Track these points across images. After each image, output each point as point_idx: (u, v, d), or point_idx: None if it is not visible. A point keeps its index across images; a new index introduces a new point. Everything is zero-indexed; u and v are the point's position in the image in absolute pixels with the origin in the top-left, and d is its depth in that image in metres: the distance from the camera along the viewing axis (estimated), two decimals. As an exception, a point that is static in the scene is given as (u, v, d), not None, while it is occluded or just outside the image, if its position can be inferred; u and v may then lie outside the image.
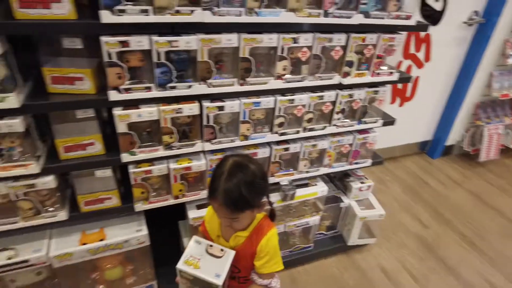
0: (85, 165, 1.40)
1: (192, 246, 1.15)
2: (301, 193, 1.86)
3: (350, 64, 1.57)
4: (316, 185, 1.94)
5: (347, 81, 1.61)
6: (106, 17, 1.12)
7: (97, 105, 1.32)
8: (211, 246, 1.15)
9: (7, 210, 1.40)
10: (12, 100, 1.17)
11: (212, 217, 1.25)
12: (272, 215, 1.27)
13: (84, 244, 1.53)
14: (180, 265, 1.09)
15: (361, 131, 1.88)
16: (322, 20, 1.39)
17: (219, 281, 1.05)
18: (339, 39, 1.48)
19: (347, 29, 1.49)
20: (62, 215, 1.47)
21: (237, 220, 1.10)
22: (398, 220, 2.58)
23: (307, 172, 1.85)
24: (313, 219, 2.01)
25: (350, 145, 1.87)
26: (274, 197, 1.80)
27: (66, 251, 1.50)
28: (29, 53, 1.28)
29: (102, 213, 1.55)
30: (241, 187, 1.02)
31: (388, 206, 2.64)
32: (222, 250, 1.13)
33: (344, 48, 1.53)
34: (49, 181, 1.37)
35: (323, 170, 1.90)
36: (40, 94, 1.27)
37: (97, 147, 1.40)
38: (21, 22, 1.09)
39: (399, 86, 2.84)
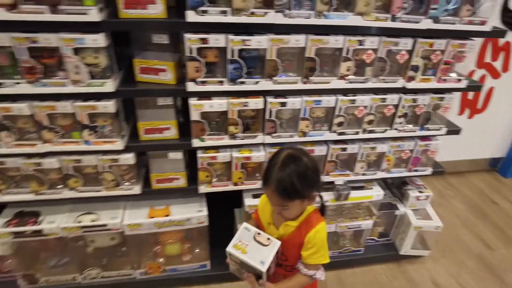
0: (161, 147, 1.59)
1: (242, 232, 1.21)
2: (356, 195, 1.88)
3: (415, 68, 1.57)
4: (371, 188, 1.95)
5: (411, 85, 1.60)
6: (191, 16, 1.29)
7: (176, 94, 1.50)
8: (259, 234, 1.21)
9: (94, 180, 1.65)
10: (109, 85, 1.39)
11: (265, 206, 1.34)
12: (322, 210, 1.32)
13: (152, 217, 1.73)
14: (229, 248, 1.18)
15: (423, 138, 1.85)
16: (389, 24, 1.42)
17: (263, 268, 1.12)
18: (405, 43, 1.50)
19: (415, 33, 1.49)
20: (137, 189, 1.68)
21: (287, 208, 1.17)
22: (458, 236, 2.45)
23: (364, 174, 1.87)
24: (366, 223, 2.01)
25: (411, 151, 1.85)
26: (328, 196, 1.85)
27: (137, 221, 1.71)
28: (121, 47, 1.49)
29: (170, 191, 1.74)
30: (292, 177, 1.09)
31: (448, 221, 2.52)
32: (268, 239, 1.19)
33: (410, 52, 1.53)
34: (130, 158, 1.59)
35: (381, 175, 1.90)
36: (130, 82, 1.49)
37: (172, 132, 1.58)
38: (124, 20, 1.30)
39: (470, 96, 2.69)
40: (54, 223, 1.68)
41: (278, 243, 1.18)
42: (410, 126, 1.75)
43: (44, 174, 1.59)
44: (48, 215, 1.72)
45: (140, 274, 1.90)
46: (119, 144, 1.52)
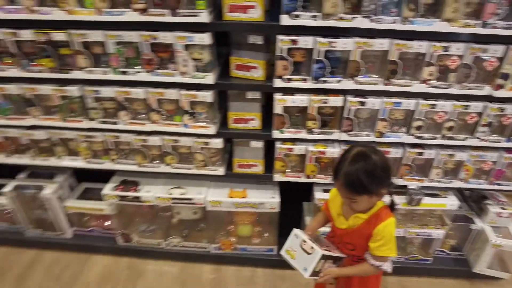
0: (245, 135, 1.80)
1: (292, 239, 1.35)
2: (428, 202, 1.87)
3: (505, 76, 1.52)
4: (446, 197, 1.91)
5: (499, 93, 1.56)
6: (285, 20, 1.45)
7: (264, 89, 1.68)
8: (304, 242, 1.31)
9: (186, 159, 1.91)
10: (210, 78, 1.62)
11: (336, 198, 1.43)
12: (392, 207, 1.38)
13: (231, 197, 1.94)
14: (282, 252, 1.35)
15: (509, 150, 1.76)
16: (479, 30, 1.42)
17: (306, 274, 1.25)
18: (495, 50, 1.47)
19: (508, 40, 1.45)
20: (221, 171, 1.90)
21: (355, 201, 1.25)
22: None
23: (439, 182, 1.84)
24: (437, 232, 1.97)
25: (494, 162, 1.77)
26: (399, 199, 1.86)
27: (218, 199, 1.93)
28: (219, 46, 1.71)
29: (248, 176, 1.94)
30: (360, 173, 1.17)
31: (535, 246, 2.31)
32: (312, 248, 1.29)
33: (501, 59, 1.50)
34: (219, 143, 1.81)
35: (457, 184, 1.85)
36: (225, 76, 1.71)
37: (256, 123, 1.77)
38: (227, 22, 1.52)
39: None
40: (150, 193, 1.99)
41: (320, 253, 1.26)
42: (495, 136, 1.69)
43: (148, 149, 1.90)
44: (145, 185, 2.04)
45: (214, 249, 2.13)
46: (211, 130, 1.75)
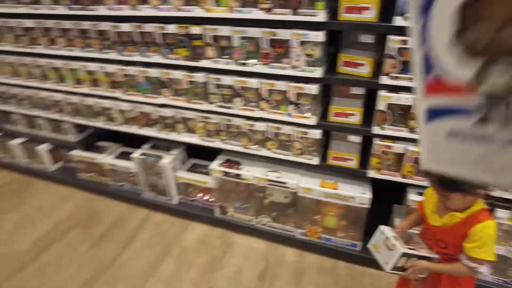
0: (344, 129, 1.90)
1: (378, 235, 1.46)
2: (539, 221, 1.73)
3: None
4: None
5: None
6: (398, 21, 1.53)
7: (370, 86, 1.77)
8: (387, 239, 1.40)
9: (285, 146, 2.09)
10: (318, 72, 1.77)
11: (431, 196, 1.43)
12: (491, 209, 1.33)
13: (323, 187, 2.06)
14: (369, 245, 1.47)
15: None
16: None
17: (387, 268, 1.35)
18: None
19: None
20: (315, 160, 2.04)
21: (448, 198, 1.25)
22: None
23: (555, 201, 1.70)
24: (546, 259, 1.80)
25: None
26: (503, 213, 1.76)
27: (310, 186, 2.07)
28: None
29: (341, 170, 2.03)
30: None
31: None
32: (393, 245, 1.36)
33: None
34: (317, 134, 1.95)
35: None
36: (332, 72, 1.84)
37: (356, 118, 1.86)
38: (342, 22, 1.65)
39: None
40: (250, 172, 2.22)
41: (400, 251, 1.32)
42: None
43: (253, 133, 2.13)
44: (246, 166, 2.29)
45: (299, 234, 2.28)
46: (312, 121, 1.90)
